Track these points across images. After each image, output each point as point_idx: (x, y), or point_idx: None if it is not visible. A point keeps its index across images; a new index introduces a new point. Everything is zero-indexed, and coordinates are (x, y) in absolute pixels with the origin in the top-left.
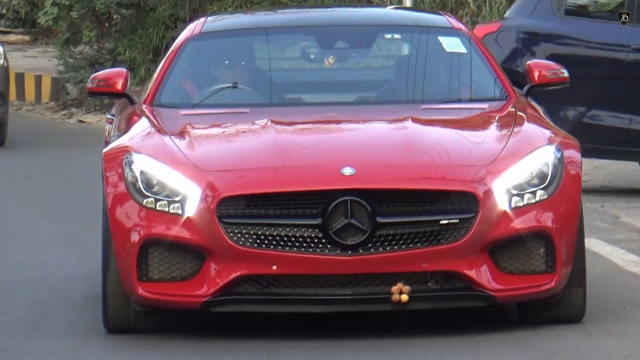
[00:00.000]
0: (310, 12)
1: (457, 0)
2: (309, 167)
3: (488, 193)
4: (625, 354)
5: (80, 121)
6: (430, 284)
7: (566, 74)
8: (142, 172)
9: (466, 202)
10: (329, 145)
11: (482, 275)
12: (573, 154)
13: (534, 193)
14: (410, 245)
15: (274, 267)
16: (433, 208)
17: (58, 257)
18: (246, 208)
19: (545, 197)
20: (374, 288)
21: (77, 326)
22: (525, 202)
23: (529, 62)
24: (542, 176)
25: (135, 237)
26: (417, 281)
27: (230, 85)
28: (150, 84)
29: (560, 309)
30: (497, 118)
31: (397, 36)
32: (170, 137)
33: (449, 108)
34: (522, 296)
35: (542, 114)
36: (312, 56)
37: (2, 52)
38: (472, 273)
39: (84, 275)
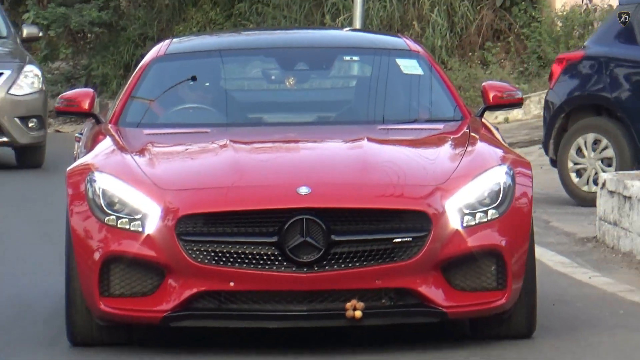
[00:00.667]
0: (271, 34)
1: (402, 22)
2: (265, 186)
3: (440, 212)
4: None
5: (57, 131)
6: (384, 301)
7: (520, 95)
8: (103, 191)
9: (419, 221)
10: (285, 164)
11: (434, 292)
12: (524, 173)
13: (485, 212)
14: (364, 263)
15: (232, 284)
16: (386, 226)
17: None
18: (204, 226)
19: (497, 215)
20: (329, 304)
21: (42, 340)
22: (477, 221)
23: (484, 84)
24: (493, 195)
25: (97, 254)
26: (371, 298)
27: (191, 106)
28: (116, 104)
29: (510, 324)
30: (451, 138)
31: (355, 58)
32: (132, 156)
33: (405, 128)
34: (473, 312)
35: (495, 134)
36: (273, 77)
37: (40, 76)
38: (424, 290)
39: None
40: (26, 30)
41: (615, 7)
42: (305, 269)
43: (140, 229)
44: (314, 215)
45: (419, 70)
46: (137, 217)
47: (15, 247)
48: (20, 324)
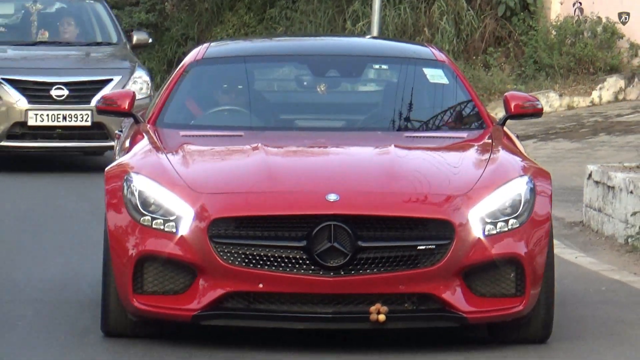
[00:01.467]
0: (303, 41)
1: (415, 29)
2: (296, 192)
3: (463, 221)
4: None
5: None
6: (406, 305)
7: (540, 105)
8: (140, 192)
9: (443, 230)
10: (315, 171)
11: (456, 297)
12: (544, 184)
13: (506, 221)
14: (389, 268)
15: (261, 285)
16: (411, 234)
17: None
18: (236, 229)
19: (517, 225)
20: (354, 307)
21: (75, 328)
22: (498, 230)
23: (506, 94)
24: (514, 206)
25: (131, 252)
26: (394, 302)
27: (226, 108)
28: (155, 105)
29: (528, 328)
30: (474, 147)
31: (384, 67)
32: (168, 157)
33: (430, 136)
34: (492, 317)
35: (516, 143)
36: (305, 83)
37: (149, 82)
38: (446, 295)
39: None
40: (136, 37)
41: (603, 18)
42: (332, 273)
43: (174, 230)
44: (341, 221)
45: (444, 80)
46: (171, 218)
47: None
48: (58, 309)
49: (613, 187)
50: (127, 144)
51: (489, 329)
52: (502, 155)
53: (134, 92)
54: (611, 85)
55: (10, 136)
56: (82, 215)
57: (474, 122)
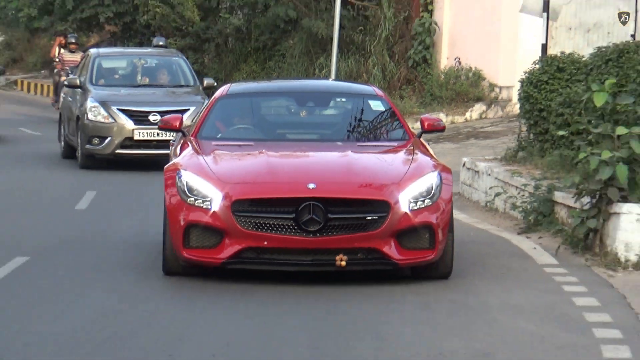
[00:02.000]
0: (292, 82)
1: (357, 73)
2: (287, 182)
3: (396, 201)
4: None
5: None
6: (359, 255)
7: (443, 124)
8: (186, 183)
9: (383, 207)
10: (300, 167)
11: (391, 250)
12: (448, 177)
13: (423, 201)
14: (348, 232)
15: (265, 243)
16: (363, 209)
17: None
18: (249, 206)
19: (430, 203)
20: (325, 257)
21: (147, 268)
22: (418, 207)
23: (421, 117)
24: (429, 191)
25: (182, 221)
26: (352, 253)
27: (241, 126)
28: (196, 124)
29: (437, 269)
30: (402, 152)
31: (343, 99)
32: (204, 159)
33: (373, 145)
34: (415, 263)
35: (429, 149)
36: (292, 110)
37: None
38: (385, 249)
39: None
40: (206, 81)
41: (472, 67)
42: (311, 235)
43: (209, 207)
44: (317, 201)
45: (382, 107)
46: (207, 199)
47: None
48: (131, 255)
49: (478, 171)
50: (177, 150)
51: (412, 270)
52: (420, 157)
53: (182, 116)
54: (477, 109)
55: (122, 146)
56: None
57: (401, 135)
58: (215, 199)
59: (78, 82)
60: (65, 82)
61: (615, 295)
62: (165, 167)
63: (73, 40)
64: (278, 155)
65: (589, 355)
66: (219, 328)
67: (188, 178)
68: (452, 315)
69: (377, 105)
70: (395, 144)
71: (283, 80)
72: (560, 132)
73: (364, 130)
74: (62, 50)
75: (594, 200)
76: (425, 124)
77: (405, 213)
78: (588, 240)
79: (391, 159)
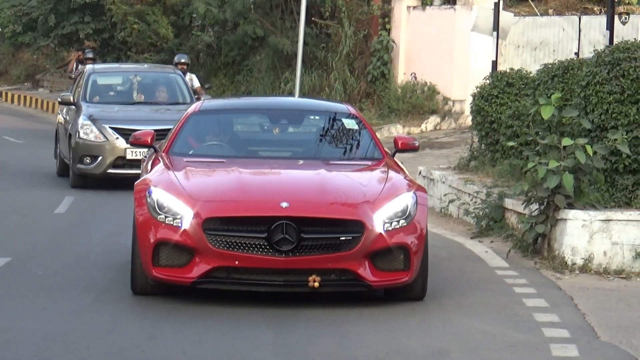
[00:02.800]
0: (266, 100)
1: (320, 87)
2: (260, 200)
3: (370, 221)
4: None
5: None
6: (333, 276)
7: (417, 144)
8: (157, 199)
9: (357, 227)
10: (273, 186)
11: (365, 271)
12: (422, 197)
13: (398, 221)
14: (321, 252)
15: (237, 262)
16: (336, 229)
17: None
18: (221, 225)
19: (405, 224)
20: (298, 277)
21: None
22: (393, 227)
23: (395, 136)
24: (404, 211)
25: (152, 239)
26: (325, 274)
27: (214, 143)
28: (168, 140)
29: (411, 290)
30: (376, 171)
31: (317, 117)
32: (176, 175)
33: (346, 164)
34: (389, 285)
35: (403, 168)
36: (265, 127)
37: None
38: (359, 270)
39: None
40: (203, 98)
41: (428, 82)
42: (283, 255)
43: (180, 225)
44: (290, 221)
45: (355, 126)
46: (178, 217)
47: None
48: (107, 256)
49: (433, 179)
50: (148, 166)
51: (385, 291)
52: (395, 176)
53: (153, 132)
54: (432, 121)
55: (114, 166)
56: None
57: (374, 154)
58: (186, 217)
59: (72, 98)
60: (59, 99)
61: (563, 297)
62: (135, 183)
63: (90, 56)
64: (250, 172)
65: (539, 353)
66: (190, 327)
67: (158, 195)
68: (409, 316)
69: (350, 124)
70: (368, 162)
71: (256, 97)
72: (510, 143)
73: (336, 149)
74: (80, 66)
75: (542, 207)
76: (399, 142)
77: (380, 234)
78: (537, 244)
79: (366, 178)
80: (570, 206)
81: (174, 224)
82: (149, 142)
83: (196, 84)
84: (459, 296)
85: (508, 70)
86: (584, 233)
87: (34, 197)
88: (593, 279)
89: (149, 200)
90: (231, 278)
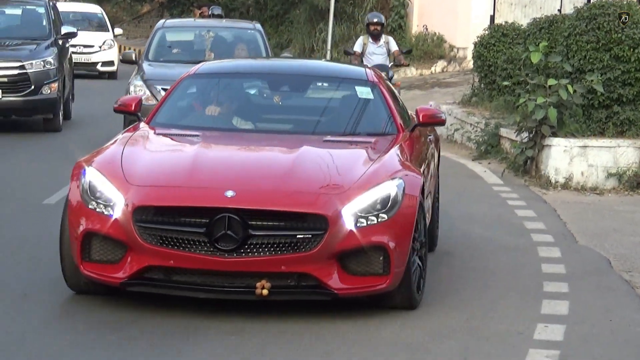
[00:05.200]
0: (271, 62)
1: (349, 35)
2: (203, 188)
3: (337, 215)
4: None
5: None
6: (290, 281)
7: (444, 117)
8: (89, 182)
9: (318, 222)
10: (226, 170)
11: (329, 276)
12: (413, 187)
13: (377, 216)
14: (273, 252)
15: (172, 262)
16: (292, 225)
17: None
18: (154, 215)
19: (386, 218)
20: (243, 282)
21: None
22: (368, 223)
23: (417, 108)
24: (384, 203)
25: (80, 229)
26: (278, 279)
27: (201, 112)
28: (154, 107)
29: (394, 299)
30: (370, 152)
31: (325, 84)
32: (123, 153)
33: (344, 140)
34: (362, 293)
35: (417, 148)
36: (265, 95)
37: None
38: (320, 275)
39: None
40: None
41: (437, 32)
42: (226, 255)
43: (111, 214)
44: (234, 213)
45: (370, 95)
46: (110, 204)
47: None
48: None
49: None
50: (118, 136)
51: (369, 298)
52: (387, 160)
53: (140, 98)
54: (440, 64)
55: None
56: None
57: (385, 129)
58: (118, 205)
59: (133, 57)
60: (120, 57)
61: (548, 209)
62: (77, 160)
63: (218, 12)
64: (210, 152)
65: (528, 254)
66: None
67: (93, 176)
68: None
69: (364, 93)
70: (372, 140)
71: (263, 59)
72: (505, 83)
73: (338, 123)
74: None
75: (531, 135)
76: (421, 115)
77: (350, 231)
78: (526, 165)
79: (349, 162)
80: (554, 135)
81: (105, 213)
82: (133, 109)
83: (394, 47)
84: (462, 207)
85: (503, 23)
86: (565, 157)
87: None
88: (572, 194)
89: (82, 181)
90: (167, 281)
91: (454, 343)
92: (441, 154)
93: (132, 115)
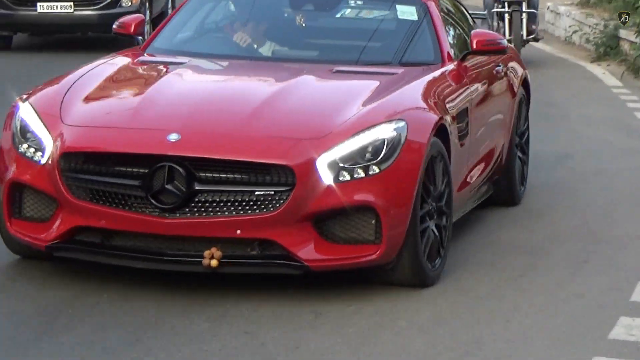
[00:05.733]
0: None
1: None
2: (143, 129)
3: (308, 167)
4: None
5: None
6: (249, 250)
7: (504, 43)
8: (21, 120)
9: (283, 175)
10: (177, 108)
11: (300, 245)
12: (422, 129)
13: (365, 168)
14: (225, 213)
15: (103, 222)
16: (250, 179)
17: None
18: (84, 164)
19: (377, 171)
20: (188, 250)
21: None
22: (352, 177)
23: (472, 32)
24: (375, 151)
25: (7, 177)
26: (234, 247)
27: (204, 34)
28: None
29: (393, 274)
30: (381, 86)
31: (359, 2)
32: (72, 87)
33: (359, 71)
34: (342, 266)
35: (449, 81)
36: (286, 15)
37: None
38: (287, 242)
39: None
40: None
41: None
42: (167, 214)
43: (40, 161)
44: (177, 162)
45: (413, 17)
46: (40, 149)
47: None
48: None
49: (559, 13)
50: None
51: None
52: (395, 96)
53: (143, 18)
54: None
55: None
56: None
57: (429, 57)
58: (47, 150)
59: None
60: None
61: None
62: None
63: None
64: (179, 83)
65: None
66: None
67: (26, 114)
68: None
69: (407, 13)
70: (398, 70)
71: None
72: None
73: (362, 49)
74: None
75: None
76: (475, 41)
77: (329, 187)
78: None
79: (348, 98)
80: None
81: (34, 159)
82: (133, 31)
83: None
84: (580, 109)
85: None
86: None
87: None
88: None
89: (15, 120)
90: (98, 245)
91: (572, 245)
92: (559, 55)
93: (131, 38)
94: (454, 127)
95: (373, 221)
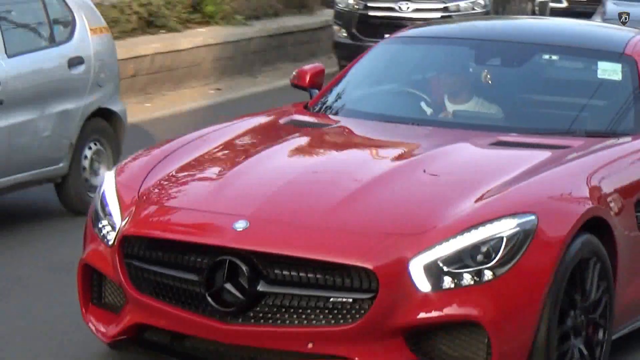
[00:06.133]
0: (492, 24)
1: None
2: (214, 213)
3: (396, 270)
4: None
5: None
6: None
7: None
8: (102, 196)
9: (363, 279)
10: (258, 188)
11: None
12: (559, 223)
13: (476, 273)
14: (295, 322)
15: (163, 322)
16: (326, 282)
17: None
18: (146, 250)
19: (492, 277)
20: None
21: None
22: (458, 283)
23: None
24: (488, 252)
25: (81, 256)
26: None
27: (376, 92)
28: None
29: None
30: (531, 166)
31: (554, 57)
32: (175, 152)
33: (521, 143)
34: None
35: None
36: (471, 69)
37: None
38: None
39: None
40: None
41: None
42: (228, 319)
43: (109, 242)
44: (240, 257)
45: (617, 76)
46: (114, 227)
47: None
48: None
49: None
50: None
51: None
52: (533, 181)
53: (322, 68)
54: None
55: None
56: None
57: (626, 127)
58: (115, 230)
59: None
60: None
61: None
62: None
63: None
64: (281, 154)
65: None
66: None
67: (108, 188)
68: None
69: (608, 72)
70: (579, 142)
71: (484, 20)
72: None
73: (548, 115)
74: None
75: None
76: None
77: (426, 295)
78: None
79: (477, 182)
80: None
81: (107, 239)
82: (307, 83)
83: None
84: None
85: None
86: None
87: None
88: None
89: (97, 192)
90: (168, 347)
91: None
92: None
93: (304, 90)
94: (628, 218)
95: (486, 340)
